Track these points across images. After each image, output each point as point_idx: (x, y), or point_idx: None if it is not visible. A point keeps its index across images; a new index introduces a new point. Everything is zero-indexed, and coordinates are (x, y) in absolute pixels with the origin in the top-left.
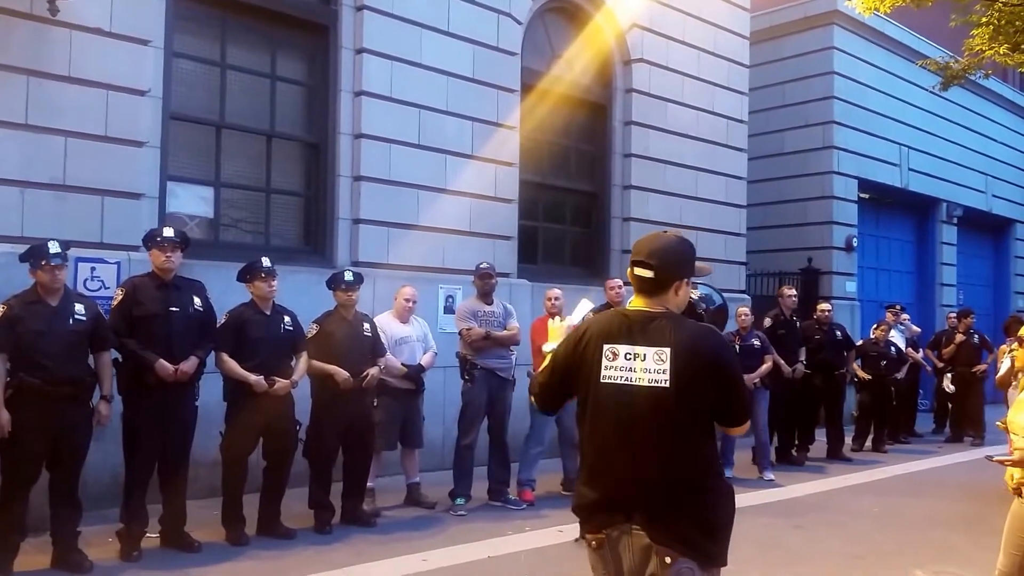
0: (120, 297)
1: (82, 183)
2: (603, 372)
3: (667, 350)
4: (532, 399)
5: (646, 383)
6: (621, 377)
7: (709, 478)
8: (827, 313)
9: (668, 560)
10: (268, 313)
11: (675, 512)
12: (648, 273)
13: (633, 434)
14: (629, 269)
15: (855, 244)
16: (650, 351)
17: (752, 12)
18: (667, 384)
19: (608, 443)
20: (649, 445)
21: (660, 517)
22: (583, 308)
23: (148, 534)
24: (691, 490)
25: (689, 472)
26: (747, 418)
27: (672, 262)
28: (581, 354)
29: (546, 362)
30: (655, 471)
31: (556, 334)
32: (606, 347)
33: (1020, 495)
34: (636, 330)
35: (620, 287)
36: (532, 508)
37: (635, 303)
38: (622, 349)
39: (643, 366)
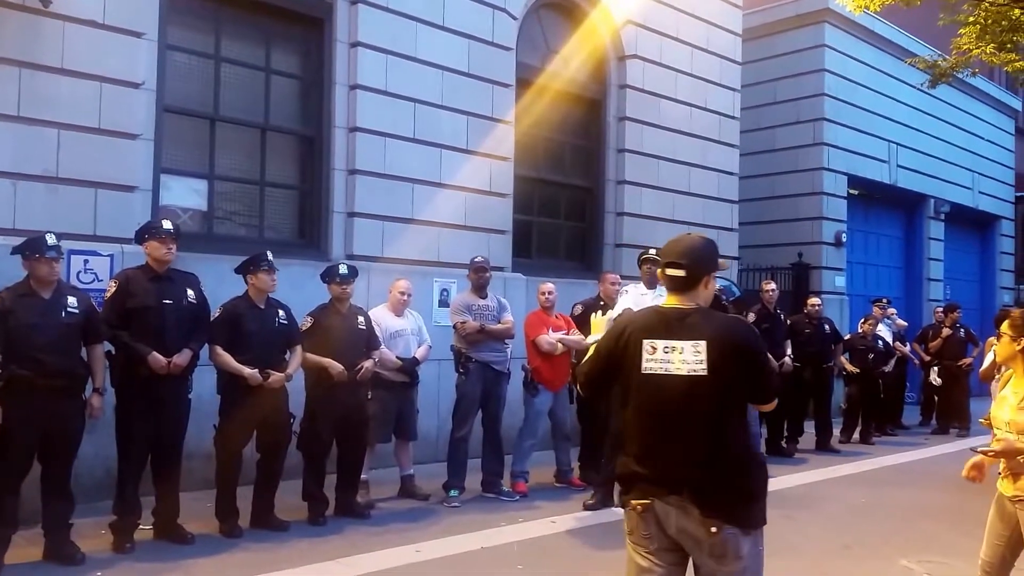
0: (113, 289)
1: (75, 175)
2: (644, 364)
3: (703, 342)
4: (576, 386)
5: (685, 372)
6: (661, 368)
7: (746, 452)
8: (817, 308)
9: (714, 529)
10: (262, 307)
11: (718, 485)
12: (680, 272)
13: (677, 418)
14: (660, 270)
15: (844, 239)
16: (687, 344)
17: (744, 10)
18: (705, 372)
19: (654, 427)
20: (693, 427)
21: (705, 491)
22: (624, 302)
23: (141, 526)
24: (731, 464)
25: (729, 448)
26: (775, 396)
27: (700, 260)
28: (623, 348)
29: (590, 353)
30: (700, 449)
31: (598, 327)
32: (646, 342)
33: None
34: (673, 326)
35: (618, 281)
36: (525, 500)
37: (669, 301)
38: (660, 343)
39: (681, 358)
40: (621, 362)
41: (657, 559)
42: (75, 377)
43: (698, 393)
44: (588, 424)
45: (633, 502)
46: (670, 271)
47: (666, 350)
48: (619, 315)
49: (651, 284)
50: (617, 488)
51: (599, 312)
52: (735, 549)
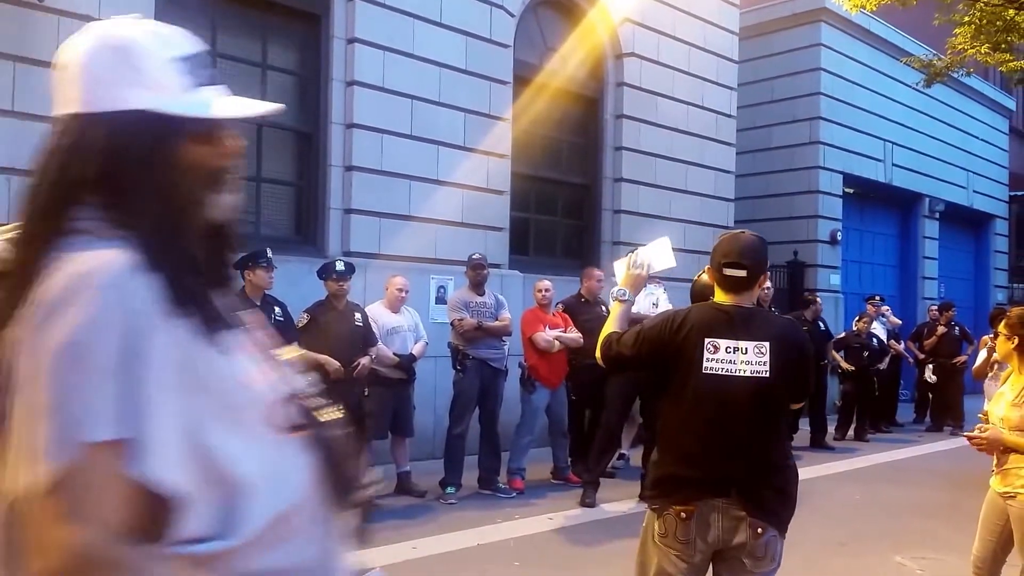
0: None
1: None
2: (705, 364)
3: (766, 344)
4: (599, 353)
5: (749, 374)
6: (723, 369)
7: (788, 457)
8: (817, 306)
9: (760, 531)
10: (258, 304)
11: (765, 488)
12: (742, 273)
13: (735, 420)
14: (717, 271)
15: (839, 238)
16: (750, 345)
17: (741, 8)
18: (767, 374)
19: (709, 429)
20: (750, 430)
21: (753, 493)
22: (660, 249)
23: None
24: (777, 468)
25: (776, 452)
26: (810, 393)
27: (759, 260)
28: (680, 343)
29: (616, 315)
30: (753, 452)
31: (627, 280)
32: (707, 341)
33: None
34: (738, 325)
35: (602, 277)
36: (522, 497)
37: (726, 299)
38: (723, 343)
39: (744, 359)
40: (675, 357)
41: (689, 563)
42: None
43: (760, 395)
44: (578, 419)
45: (676, 507)
46: (730, 271)
47: (729, 350)
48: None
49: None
50: (649, 490)
51: (622, 261)
52: (773, 551)
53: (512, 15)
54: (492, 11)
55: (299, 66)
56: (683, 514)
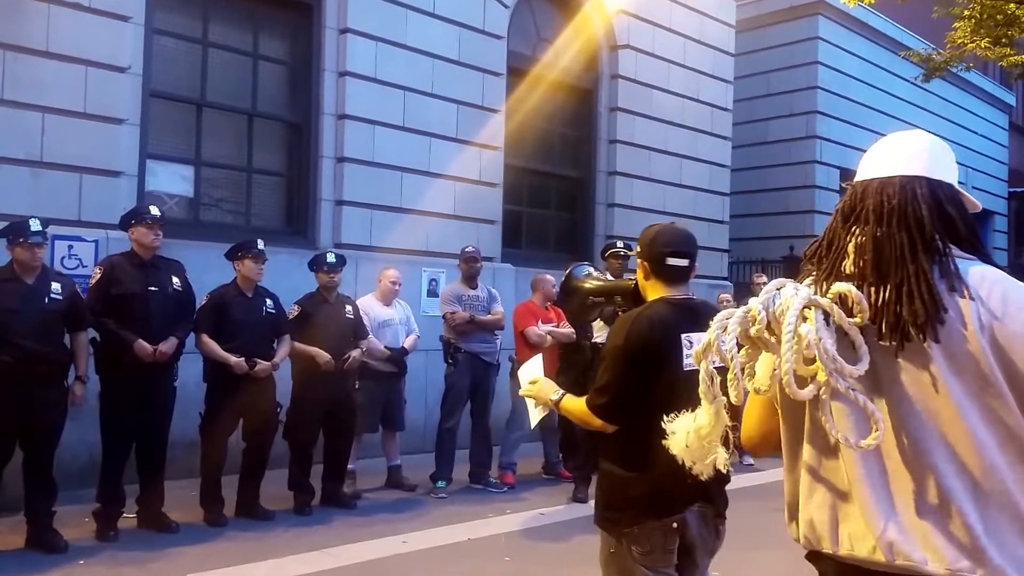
0: (98, 276)
1: (60, 160)
2: (685, 361)
3: None
4: (598, 424)
5: (718, 364)
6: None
7: None
8: None
9: (722, 528)
10: (250, 295)
11: (722, 483)
12: (685, 262)
13: None
14: (657, 262)
15: None
16: None
17: (738, 1)
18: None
19: None
20: None
21: (719, 491)
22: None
23: (125, 514)
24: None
25: None
26: None
27: (695, 250)
28: (657, 344)
29: (548, 394)
30: None
31: (532, 370)
32: (683, 337)
33: None
34: (701, 317)
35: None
36: (513, 491)
37: (668, 291)
38: (695, 336)
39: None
40: (654, 361)
41: (670, 572)
42: (57, 364)
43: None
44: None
45: (666, 519)
46: (675, 261)
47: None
48: (629, 312)
49: (619, 277)
50: (630, 510)
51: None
52: (722, 537)
53: (506, 6)
54: (486, 2)
55: (290, 56)
56: (675, 524)
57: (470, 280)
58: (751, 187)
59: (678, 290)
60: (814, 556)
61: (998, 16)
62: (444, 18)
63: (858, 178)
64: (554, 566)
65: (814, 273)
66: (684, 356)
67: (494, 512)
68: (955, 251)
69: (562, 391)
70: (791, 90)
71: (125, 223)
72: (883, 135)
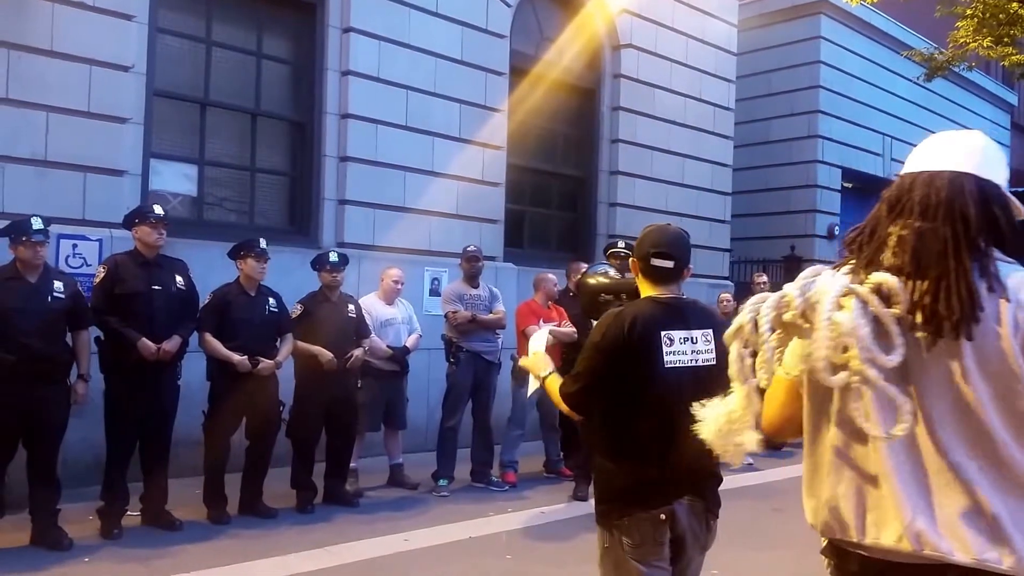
0: (102, 275)
1: (64, 159)
2: (666, 358)
3: (710, 331)
4: (568, 409)
5: (702, 363)
6: (681, 361)
7: None
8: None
9: (713, 522)
10: (253, 294)
11: (713, 478)
12: (670, 264)
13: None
14: (643, 261)
15: (837, 232)
16: (699, 333)
17: (740, 0)
18: (714, 361)
19: (675, 425)
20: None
21: (710, 486)
22: (538, 338)
23: (129, 512)
24: (715, 457)
25: None
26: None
27: (685, 252)
28: (636, 341)
29: (553, 383)
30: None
31: (540, 365)
32: (663, 334)
33: None
34: (684, 315)
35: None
36: (514, 490)
37: (655, 291)
38: (677, 334)
39: (695, 348)
40: (632, 357)
41: (665, 563)
42: (60, 362)
43: (714, 383)
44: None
45: (653, 511)
46: (659, 261)
47: (683, 341)
48: (611, 309)
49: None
50: (617, 503)
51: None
52: (714, 534)
53: (509, 5)
54: (489, 1)
55: (294, 55)
56: (663, 515)
57: (472, 279)
58: (752, 186)
59: (667, 289)
60: (832, 550)
61: (1000, 15)
62: (447, 17)
63: (906, 170)
64: (555, 564)
65: (852, 261)
66: (664, 353)
67: (495, 510)
68: (997, 253)
69: (552, 368)
70: (793, 89)
71: (129, 222)
72: (885, 135)
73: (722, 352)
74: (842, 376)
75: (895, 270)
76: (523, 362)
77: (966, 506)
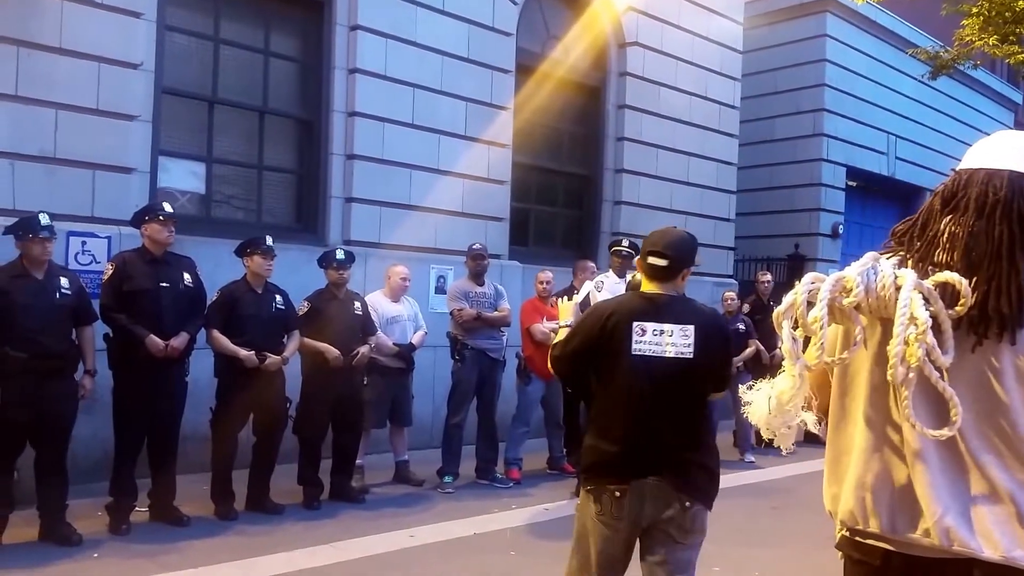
0: (110, 272)
1: (73, 156)
2: (634, 346)
3: (691, 327)
4: (550, 366)
5: (674, 355)
6: (651, 350)
7: (711, 435)
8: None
9: (688, 504)
10: (260, 291)
11: (691, 465)
12: (663, 262)
13: (663, 398)
14: (640, 258)
15: (841, 231)
16: (675, 328)
17: None
18: (691, 355)
19: (640, 409)
20: (676, 408)
21: (681, 469)
22: (586, 288)
23: (137, 508)
24: (701, 446)
25: (701, 430)
26: (729, 382)
27: (682, 254)
28: (610, 331)
29: (561, 335)
30: (681, 430)
31: (566, 312)
32: (635, 324)
33: None
34: (661, 309)
35: (595, 270)
36: (518, 487)
37: (650, 287)
38: (649, 326)
39: (670, 340)
40: (606, 345)
41: (622, 538)
42: (68, 358)
43: (685, 376)
44: (574, 410)
45: (611, 487)
46: (653, 260)
47: (655, 332)
48: (596, 300)
49: (621, 274)
50: (585, 472)
51: (565, 297)
52: (701, 523)
53: (515, 3)
54: None
55: (301, 53)
56: (617, 492)
57: (477, 277)
58: (757, 185)
59: (659, 286)
60: (849, 543)
61: (1007, 13)
62: (454, 15)
63: (963, 166)
64: (559, 560)
65: (901, 252)
66: (634, 341)
67: (500, 507)
68: None
69: (567, 323)
70: (798, 87)
71: (138, 220)
72: (890, 133)
73: (702, 349)
74: (901, 371)
75: (942, 267)
76: (560, 304)
77: (995, 505)
